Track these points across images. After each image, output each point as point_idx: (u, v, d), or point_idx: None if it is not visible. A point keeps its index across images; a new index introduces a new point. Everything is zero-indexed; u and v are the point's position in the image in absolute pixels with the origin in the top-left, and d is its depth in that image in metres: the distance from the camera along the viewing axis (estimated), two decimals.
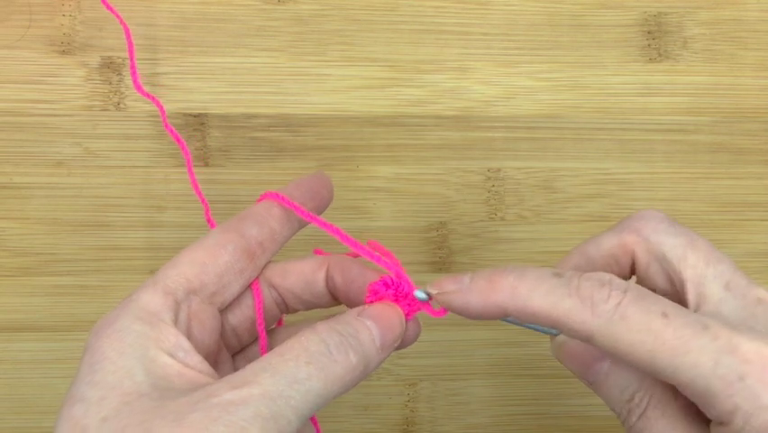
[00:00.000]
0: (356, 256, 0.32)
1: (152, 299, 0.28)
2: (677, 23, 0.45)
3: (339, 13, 0.43)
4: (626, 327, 0.26)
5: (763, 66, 0.45)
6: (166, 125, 0.39)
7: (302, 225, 0.33)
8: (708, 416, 0.26)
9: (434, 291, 0.29)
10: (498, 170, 0.44)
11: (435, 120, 0.43)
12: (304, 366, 0.26)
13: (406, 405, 0.43)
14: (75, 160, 0.42)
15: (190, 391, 0.26)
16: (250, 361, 0.33)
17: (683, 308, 0.26)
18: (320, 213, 0.33)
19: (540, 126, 0.44)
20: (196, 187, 0.37)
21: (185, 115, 0.42)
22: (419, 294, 0.30)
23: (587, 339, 0.26)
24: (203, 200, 0.37)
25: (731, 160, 0.45)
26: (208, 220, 0.36)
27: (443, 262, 0.43)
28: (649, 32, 0.45)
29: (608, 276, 0.27)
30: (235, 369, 0.32)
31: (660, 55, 0.45)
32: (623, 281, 0.27)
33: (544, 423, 0.44)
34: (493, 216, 0.44)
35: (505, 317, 0.28)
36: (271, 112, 0.43)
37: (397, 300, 0.30)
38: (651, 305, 0.26)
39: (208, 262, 0.30)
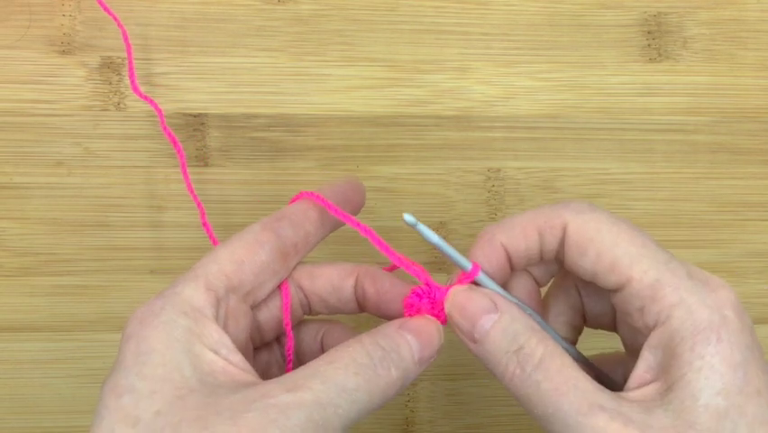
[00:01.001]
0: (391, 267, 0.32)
1: (195, 294, 0.28)
2: (677, 23, 0.45)
3: (339, 13, 0.43)
4: (594, 219, 0.29)
5: (763, 66, 0.45)
6: (164, 128, 0.39)
7: (333, 228, 0.33)
8: (641, 322, 0.28)
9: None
10: (498, 170, 0.44)
11: (435, 120, 0.43)
12: (353, 376, 0.26)
13: (406, 405, 0.43)
14: (75, 160, 0.42)
15: (240, 389, 0.26)
16: (269, 358, 0.34)
17: None
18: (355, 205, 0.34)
19: (540, 126, 0.44)
20: (191, 190, 0.38)
21: (184, 115, 0.42)
22: (408, 218, 0.29)
23: (563, 226, 0.29)
24: (198, 204, 0.37)
25: (731, 160, 0.45)
26: (204, 224, 0.36)
27: (444, 263, 0.43)
28: (649, 32, 0.45)
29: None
30: (255, 366, 0.32)
31: (660, 55, 0.45)
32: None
33: None
34: (493, 216, 0.44)
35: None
36: (271, 112, 0.43)
37: (432, 309, 0.30)
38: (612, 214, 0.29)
39: (246, 261, 0.30)
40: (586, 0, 0.45)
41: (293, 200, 0.33)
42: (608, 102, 0.44)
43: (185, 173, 0.38)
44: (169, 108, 0.42)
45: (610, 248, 0.28)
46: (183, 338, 0.27)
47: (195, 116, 0.42)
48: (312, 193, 0.32)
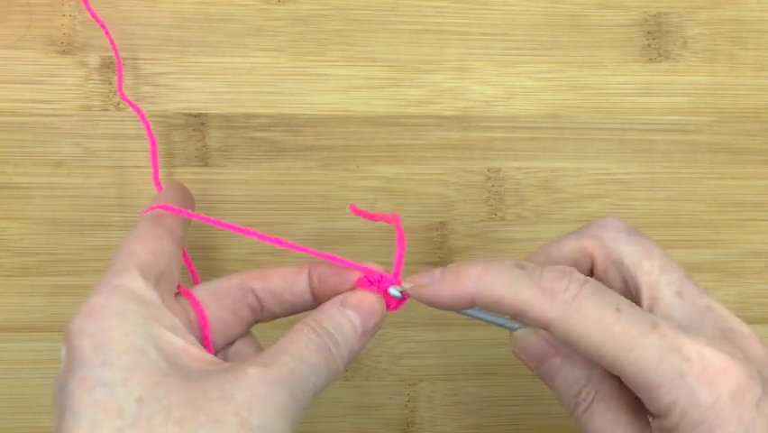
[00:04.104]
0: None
1: (135, 283, 0.29)
2: (677, 23, 0.45)
3: (339, 13, 0.43)
4: (580, 318, 0.27)
5: (763, 66, 0.45)
6: (148, 132, 0.38)
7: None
8: (649, 408, 0.28)
9: (407, 287, 0.31)
10: (498, 170, 0.44)
11: (435, 120, 0.43)
12: (314, 353, 0.28)
13: (406, 405, 0.43)
14: (75, 160, 0.42)
15: (214, 370, 0.27)
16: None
17: (636, 306, 0.28)
18: (191, 206, 0.36)
19: (540, 126, 0.44)
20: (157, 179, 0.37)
21: (185, 114, 0.42)
22: (394, 292, 0.31)
23: (545, 327, 0.28)
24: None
25: (731, 160, 0.45)
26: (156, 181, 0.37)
27: (443, 263, 0.43)
28: (649, 32, 0.45)
29: (569, 269, 0.29)
30: None
31: (660, 55, 0.45)
32: (581, 275, 0.28)
33: (543, 423, 0.44)
34: (493, 216, 0.44)
35: (472, 306, 0.29)
36: (271, 112, 0.43)
37: (382, 293, 0.32)
38: (606, 298, 0.28)
39: (157, 252, 0.30)
40: (586, 0, 0.45)
41: (147, 211, 0.33)
42: (608, 102, 0.44)
43: (156, 178, 0.38)
44: (169, 108, 0.42)
45: (598, 350, 0.27)
46: (139, 323, 0.27)
47: (195, 116, 0.42)
48: (166, 206, 0.33)
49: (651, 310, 0.29)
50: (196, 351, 0.28)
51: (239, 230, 0.32)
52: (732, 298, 0.45)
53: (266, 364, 0.27)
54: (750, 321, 0.45)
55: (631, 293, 0.31)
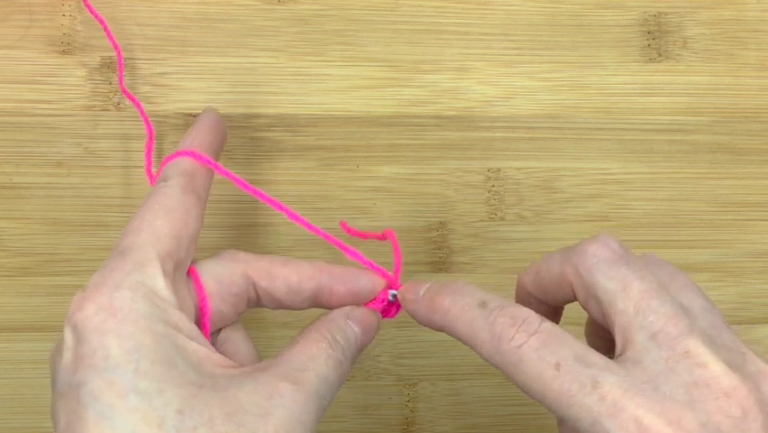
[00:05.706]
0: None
1: (158, 283, 0.28)
2: (677, 23, 0.45)
3: (339, 13, 0.43)
4: (521, 369, 0.27)
5: (763, 66, 0.45)
6: (145, 120, 0.39)
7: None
8: None
9: (399, 295, 0.32)
10: (498, 170, 0.44)
11: (435, 120, 0.43)
12: (333, 371, 0.29)
13: (406, 405, 0.43)
14: (75, 160, 0.42)
15: (242, 379, 0.27)
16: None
17: (582, 360, 0.27)
18: (222, 148, 0.36)
19: (540, 126, 0.44)
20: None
21: (185, 115, 0.42)
22: (390, 296, 0.33)
23: (495, 367, 0.28)
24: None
25: (731, 160, 0.45)
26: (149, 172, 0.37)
27: (443, 262, 0.43)
28: (649, 32, 0.45)
29: (525, 314, 0.28)
30: None
31: (660, 55, 0.45)
32: (536, 322, 0.28)
33: (543, 423, 0.44)
34: (493, 216, 0.44)
35: (441, 331, 0.31)
36: (271, 112, 0.43)
37: (388, 305, 0.33)
38: (548, 354, 0.27)
39: (182, 236, 0.30)
40: (586, 0, 0.45)
41: (172, 157, 0.32)
42: (608, 102, 0.44)
43: (149, 170, 0.38)
44: (169, 108, 0.42)
45: (541, 400, 0.27)
46: (166, 332, 0.27)
47: (195, 116, 0.42)
48: (193, 153, 0.32)
49: (623, 352, 0.28)
50: (217, 358, 0.28)
51: (269, 200, 0.31)
52: (732, 298, 0.45)
53: (296, 382, 0.27)
54: (750, 321, 0.45)
55: (609, 327, 0.29)
